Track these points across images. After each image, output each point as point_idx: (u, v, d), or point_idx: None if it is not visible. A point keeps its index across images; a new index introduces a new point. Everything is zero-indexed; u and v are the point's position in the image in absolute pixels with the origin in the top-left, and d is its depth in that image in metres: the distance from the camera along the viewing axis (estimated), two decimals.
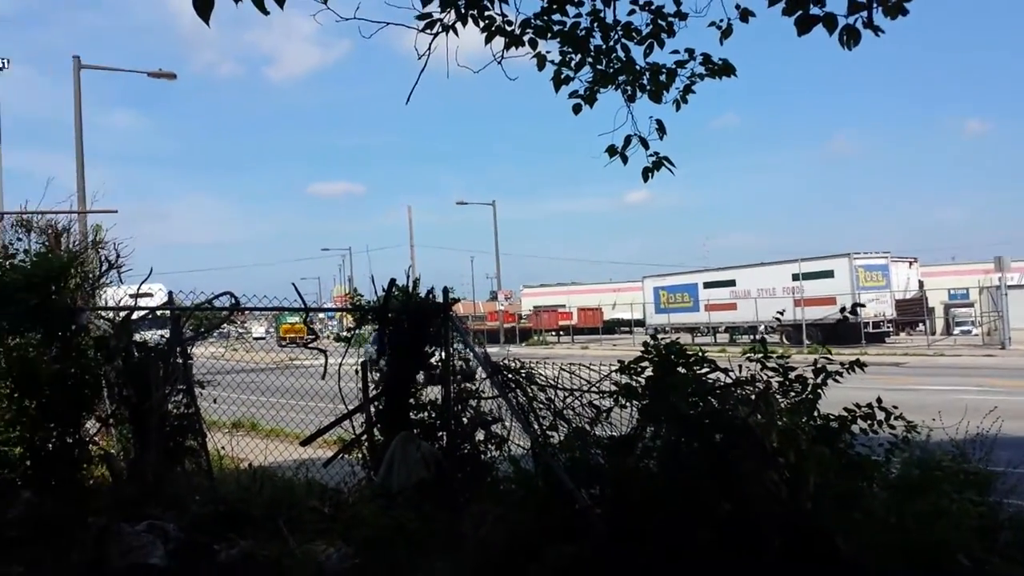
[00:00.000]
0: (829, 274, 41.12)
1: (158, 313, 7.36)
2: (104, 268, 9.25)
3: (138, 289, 8.10)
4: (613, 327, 62.48)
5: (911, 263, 45.83)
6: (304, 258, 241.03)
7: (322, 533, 5.53)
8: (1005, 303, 36.38)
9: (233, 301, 6.66)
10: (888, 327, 41.82)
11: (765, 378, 4.91)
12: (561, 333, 59.93)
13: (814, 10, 4.03)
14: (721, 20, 6.28)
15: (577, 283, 72.78)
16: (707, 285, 48.01)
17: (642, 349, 4.99)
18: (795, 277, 42.13)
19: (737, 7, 6.15)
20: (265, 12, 4.02)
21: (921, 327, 44.00)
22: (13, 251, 7.56)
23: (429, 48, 5.71)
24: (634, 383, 4.93)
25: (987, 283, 41.57)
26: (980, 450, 5.93)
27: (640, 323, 54.38)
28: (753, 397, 4.55)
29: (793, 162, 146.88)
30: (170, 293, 7.00)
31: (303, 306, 6.63)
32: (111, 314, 7.32)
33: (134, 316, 7.01)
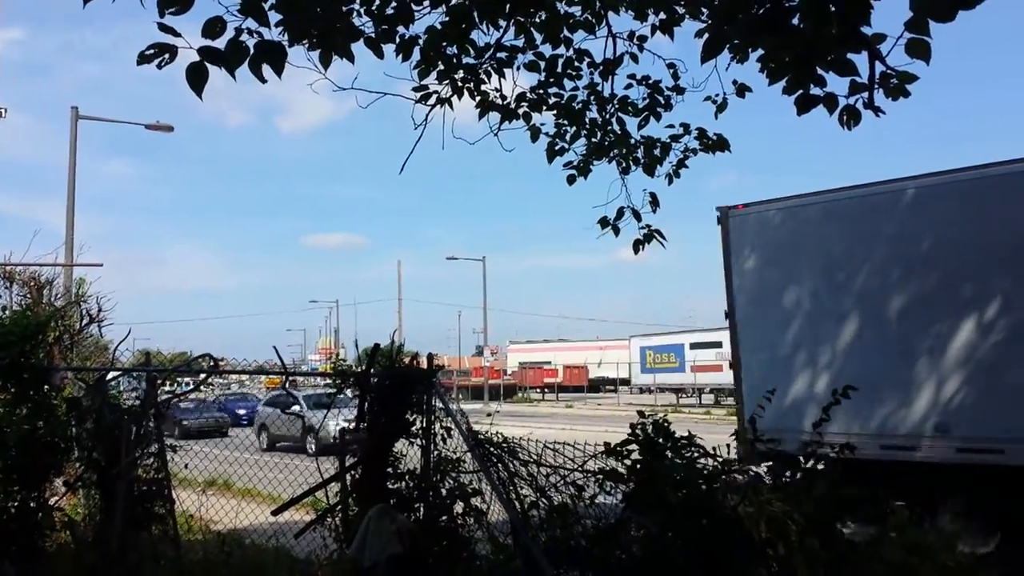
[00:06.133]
0: None
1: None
2: (85, 322, 9.10)
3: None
4: (599, 385, 62.17)
5: None
6: (296, 309, 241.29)
7: None
8: None
9: (212, 363, 6.50)
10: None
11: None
12: (546, 390, 59.57)
13: (814, 90, 4.00)
14: (717, 95, 6.33)
15: (563, 340, 72.64)
16: (693, 346, 47.95)
17: (628, 431, 4.86)
18: None
19: (734, 83, 6.20)
20: (263, 80, 3.99)
21: None
22: None
23: (426, 119, 5.70)
24: (620, 467, 4.80)
25: None
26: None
27: (625, 382, 54.16)
28: (743, 482, 4.42)
29: None
30: (147, 353, 6.84)
31: (282, 369, 6.46)
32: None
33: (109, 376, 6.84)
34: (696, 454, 4.69)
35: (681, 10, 6.01)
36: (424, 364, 6.65)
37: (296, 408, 20.66)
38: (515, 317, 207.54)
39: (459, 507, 6.39)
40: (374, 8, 5.02)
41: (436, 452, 6.49)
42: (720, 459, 4.72)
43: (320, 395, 21.54)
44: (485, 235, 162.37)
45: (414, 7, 4.98)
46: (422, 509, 6.41)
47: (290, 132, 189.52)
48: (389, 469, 6.47)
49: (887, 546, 5.01)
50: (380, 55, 5.04)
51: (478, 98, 6.27)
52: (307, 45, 4.46)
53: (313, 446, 18.51)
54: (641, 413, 5.26)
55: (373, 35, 4.96)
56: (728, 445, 5.05)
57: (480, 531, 6.30)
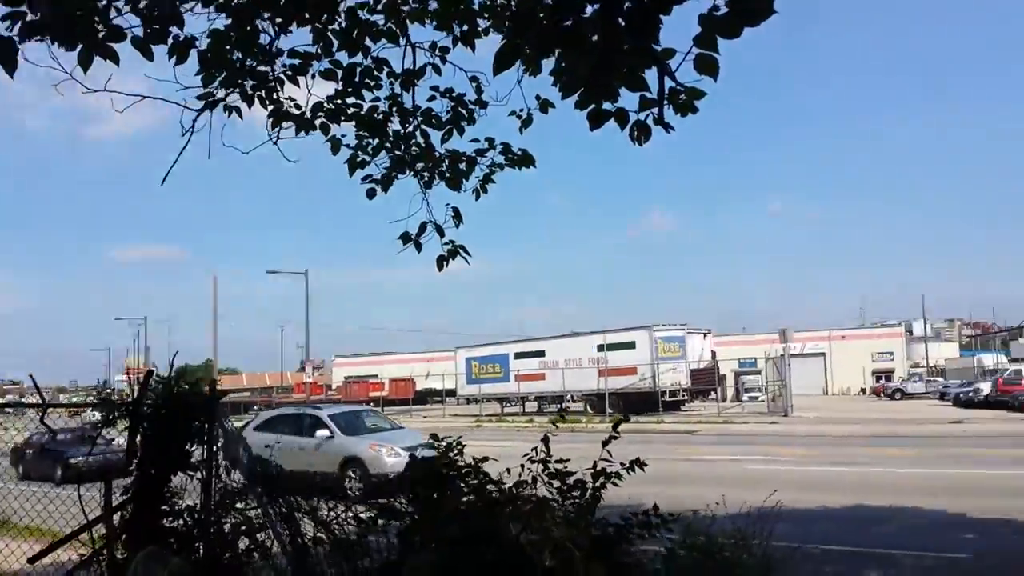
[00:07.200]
0: (631, 345, 42.95)
1: None
2: None
3: None
4: (426, 397, 61.93)
5: (705, 334, 48.81)
6: (104, 327, 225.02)
7: None
8: (788, 372, 39.51)
9: None
10: (684, 395, 44.13)
11: (545, 479, 4.74)
12: (372, 404, 58.56)
13: (606, 105, 3.94)
14: (522, 110, 6.26)
15: (390, 353, 71.84)
16: (518, 356, 48.68)
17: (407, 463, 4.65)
18: (600, 348, 43.64)
19: (537, 97, 6.16)
20: None
21: (713, 395, 46.71)
22: None
23: (192, 125, 5.25)
24: (399, 503, 4.58)
25: (772, 353, 45.23)
26: (764, 526, 6.14)
27: (452, 393, 54.14)
28: (527, 509, 4.31)
29: (609, 237, 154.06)
30: None
31: (41, 402, 5.77)
32: None
33: None
34: (481, 481, 4.55)
35: (484, 23, 5.92)
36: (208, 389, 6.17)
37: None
38: (344, 332, 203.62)
39: (244, 543, 5.97)
40: (141, 6, 4.56)
41: (220, 485, 6.02)
42: (506, 485, 4.60)
43: (348, 414, 19.00)
44: (314, 249, 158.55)
45: (183, 6, 4.56)
46: (202, 547, 5.93)
47: (99, 140, 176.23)
48: (165, 506, 5.94)
49: (680, 557, 5.12)
50: (150, 57, 4.60)
51: (271, 107, 5.91)
52: (54, 42, 3.98)
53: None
54: (435, 436, 5.07)
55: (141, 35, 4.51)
56: (522, 466, 4.93)
57: (267, 569, 5.90)
